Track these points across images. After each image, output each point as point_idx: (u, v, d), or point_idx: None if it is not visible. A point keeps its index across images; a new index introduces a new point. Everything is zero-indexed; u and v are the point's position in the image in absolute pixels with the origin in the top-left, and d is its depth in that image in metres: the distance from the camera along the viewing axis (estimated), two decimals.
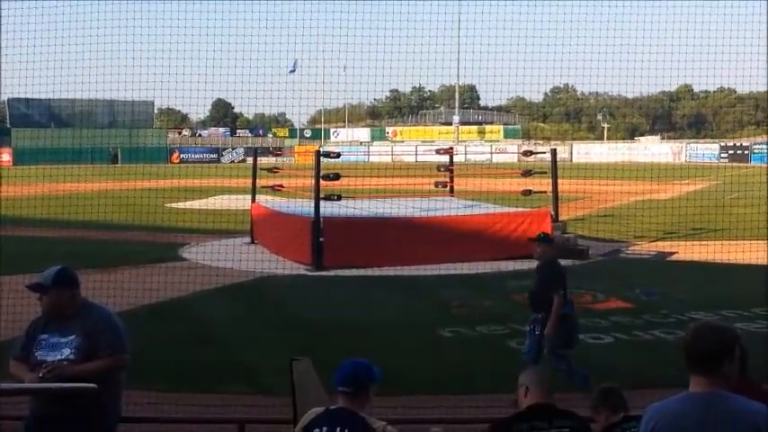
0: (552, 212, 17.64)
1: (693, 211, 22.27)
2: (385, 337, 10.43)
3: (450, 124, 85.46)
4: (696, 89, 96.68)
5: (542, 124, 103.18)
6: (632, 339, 10.54)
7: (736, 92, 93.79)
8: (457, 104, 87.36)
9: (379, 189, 23.34)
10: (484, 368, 9.15)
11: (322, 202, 16.30)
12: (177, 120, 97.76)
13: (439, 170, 22.79)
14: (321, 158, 17.04)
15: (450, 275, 14.85)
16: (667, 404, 3.24)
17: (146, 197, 25.60)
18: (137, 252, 17.99)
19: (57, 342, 4.74)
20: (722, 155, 67.43)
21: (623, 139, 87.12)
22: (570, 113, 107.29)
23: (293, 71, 66.57)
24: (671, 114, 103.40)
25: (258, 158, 22.06)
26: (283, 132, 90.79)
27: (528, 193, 19.06)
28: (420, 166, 31.05)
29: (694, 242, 18.97)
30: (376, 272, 15.47)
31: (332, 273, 15.39)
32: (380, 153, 69.82)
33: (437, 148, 31.44)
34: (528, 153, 27.44)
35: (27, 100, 72.33)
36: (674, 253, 18.28)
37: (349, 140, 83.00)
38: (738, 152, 67.09)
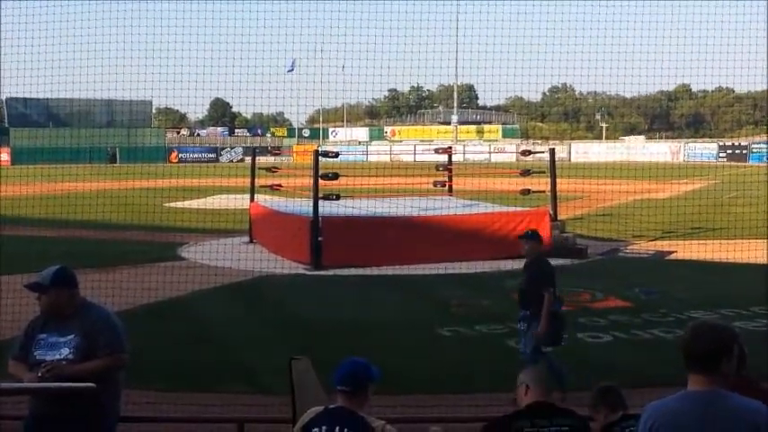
0: (551, 212, 17.64)
1: (692, 210, 22.29)
2: (384, 336, 10.43)
3: (449, 124, 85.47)
4: (694, 89, 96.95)
5: (541, 124, 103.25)
6: (631, 338, 10.54)
7: (734, 91, 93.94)
8: (455, 104, 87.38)
9: (378, 188, 23.34)
10: (483, 367, 9.16)
11: (321, 202, 16.31)
12: (175, 119, 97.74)
13: (437, 170, 22.79)
14: (320, 158, 17.03)
15: (449, 275, 14.85)
16: (666, 403, 3.25)
17: (144, 197, 25.57)
18: (135, 251, 17.98)
19: (55, 342, 4.74)
20: (720, 154, 67.46)
21: (621, 138, 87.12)
22: (569, 113, 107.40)
23: (291, 70, 66.66)
24: (669, 114, 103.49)
25: (257, 158, 22.06)
26: (282, 132, 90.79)
27: (526, 192, 19.07)
28: (419, 166, 31.07)
29: (693, 241, 18.99)
30: (375, 271, 15.47)
31: (330, 272, 15.39)
32: (379, 152, 69.84)
33: (436, 147, 31.48)
34: (526, 152, 27.45)
35: (25, 99, 72.31)
36: (673, 252, 18.30)
37: (347, 140, 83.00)
38: (737, 151, 67.14)
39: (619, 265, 17.08)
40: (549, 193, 17.98)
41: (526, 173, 20.02)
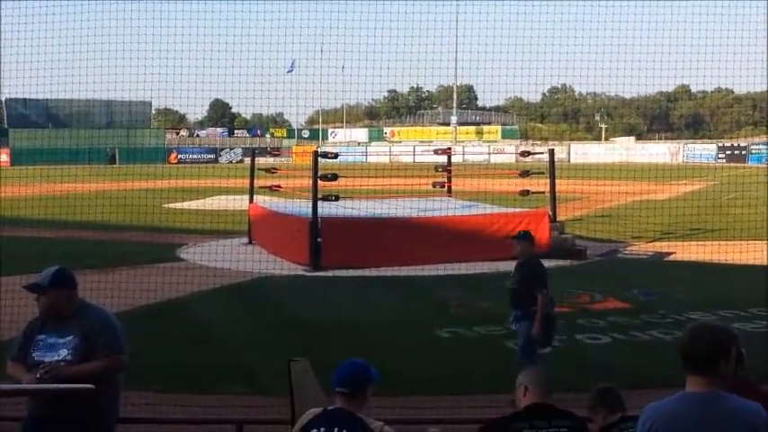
0: (550, 213, 17.64)
1: (691, 211, 22.29)
2: (383, 337, 10.43)
3: (448, 124, 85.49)
4: (694, 89, 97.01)
5: (540, 125, 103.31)
6: (630, 339, 10.55)
7: (733, 92, 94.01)
8: (455, 105, 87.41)
9: (377, 189, 23.34)
10: (482, 368, 9.16)
11: (320, 203, 16.31)
12: (175, 120, 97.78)
13: (437, 170, 22.79)
14: (319, 159, 17.04)
15: (448, 276, 14.85)
16: (665, 404, 3.25)
17: (143, 197, 25.55)
18: (134, 252, 17.98)
19: (54, 343, 4.73)
20: (719, 155, 67.47)
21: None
22: (568, 114, 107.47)
23: (291, 71, 66.66)
24: (668, 115, 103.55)
25: (256, 159, 22.06)
26: (281, 133, 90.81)
27: (526, 193, 19.08)
28: (418, 167, 31.08)
29: (692, 242, 19.00)
30: (374, 272, 15.48)
31: (330, 273, 15.38)
32: (378, 153, 69.85)
33: (435, 148, 31.49)
34: (526, 153, 27.43)
35: (24, 100, 72.28)
36: (672, 253, 18.30)
37: (347, 141, 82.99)
38: (736, 152, 67.13)
39: (618, 266, 17.08)
40: (549, 194, 17.98)
41: (525, 174, 20.02)
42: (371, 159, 60.97)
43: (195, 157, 75.58)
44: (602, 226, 22.42)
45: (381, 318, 11.90)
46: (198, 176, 37.77)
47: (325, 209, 16.58)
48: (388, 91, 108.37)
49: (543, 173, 18.64)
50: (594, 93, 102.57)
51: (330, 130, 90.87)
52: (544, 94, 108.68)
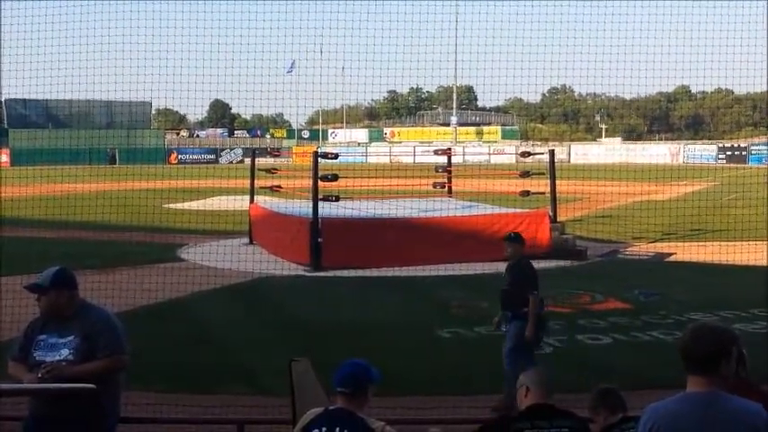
0: (550, 213, 17.64)
1: (692, 212, 22.28)
2: (383, 337, 10.43)
3: (448, 125, 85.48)
4: (694, 90, 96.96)
5: (540, 125, 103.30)
6: (631, 340, 10.55)
7: (733, 93, 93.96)
8: (455, 105, 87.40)
9: (377, 190, 23.34)
10: (482, 369, 9.14)
11: (320, 203, 16.32)
12: (175, 120, 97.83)
13: (437, 171, 22.80)
14: (319, 159, 17.05)
15: (449, 276, 14.85)
16: (666, 404, 3.25)
17: (144, 198, 25.53)
18: (135, 253, 17.98)
19: (55, 343, 4.74)
20: (720, 156, 67.46)
21: (622, 140, 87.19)
22: (568, 114, 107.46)
23: (291, 72, 66.65)
24: (668, 115, 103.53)
25: (256, 159, 22.07)
26: (281, 133, 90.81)
27: (526, 193, 19.07)
28: (418, 167, 31.06)
29: (693, 243, 18.99)
30: (374, 272, 15.48)
31: (330, 273, 15.38)
32: (378, 154, 69.85)
33: (435, 148, 31.48)
34: (526, 154, 27.40)
35: (24, 101, 72.31)
36: (673, 254, 18.30)
37: (347, 141, 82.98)
38: (736, 153, 67.12)
39: (618, 266, 17.08)
40: (549, 195, 17.98)
41: (526, 174, 20.01)
42: (371, 160, 60.94)
43: (195, 157, 75.60)
44: (603, 226, 22.42)
45: (382, 318, 11.90)
46: (198, 177, 37.75)
47: (326, 209, 16.58)
48: (388, 91, 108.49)
49: (543, 173, 18.63)
50: (594, 93, 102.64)
51: (330, 131, 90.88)
52: (544, 95, 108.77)
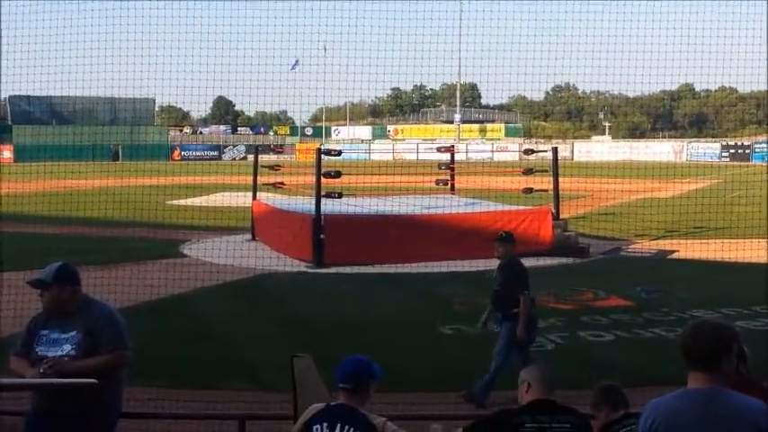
0: (553, 210, 17.64)
1: (694, 209, 22.24)
2: (385, 334, 10.44)
3: (452, 122, 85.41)
4: (697, 88, 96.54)
5: (543, 123, 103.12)
6: (633, 337, 10.54)
7: (737, 91, 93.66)
8: (458, 103, 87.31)
9: (380, 187, 23.34)
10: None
11: (323, 200, 16.32)
12: (178, 117, 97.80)
13: (440, 168, 22.77)
14: (322, 156, 17.05)
15: (451, 273, 14.86)
16: (666, 400, 3.24)
17: (147, 194, 25.55)
18: (138, 249, 18.00)
19: (57, 338, 4.75)
20: (723, 154, 67.36)
21: (624, 138, 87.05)
22: (571, 112, 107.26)
23: (294, 69, 66.58)
24: (672, 113, 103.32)
25: (259, 156, 22.07)
26: (284, 130, 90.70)
27: (529, 191, 19.06)
28: (421, 164, 31.06)
29: (695, 240, 18.98)
30: (377, 269, 15.48)
31: (333, 270, 15.39)
32: (381, 151, 69.78)
33: (438, 146, 31.43)
34: (529, 151, 27.36)
35: (28, 97, 72.36)
36: (675, 251, 18.28)
37: (350, 138, 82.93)
38: (739, 151, 67.03)
39: (621, 264, 17.07)
40: (552, 192, 17.97)
41: (529, 171, 20.00)
42: (375, 157, 60.91)
43: (198, 154, 75.60)
44: (606, 224, 22.40)
45: (384, 314, 11.91)
46: (201, 173, 37.78)
47: (329, 206, 16.58)
48: (392, 89, 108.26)
49: (547, 171, 18.63)
50: (598, 91, 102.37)
51: (333, 128, 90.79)
52: (548, 93, 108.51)
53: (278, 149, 68.72)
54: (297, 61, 66.82)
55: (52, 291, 4.77)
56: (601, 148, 73.30)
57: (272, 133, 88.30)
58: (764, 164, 49.11)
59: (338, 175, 16.99)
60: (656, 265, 16.83)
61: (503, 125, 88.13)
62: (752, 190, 27.31)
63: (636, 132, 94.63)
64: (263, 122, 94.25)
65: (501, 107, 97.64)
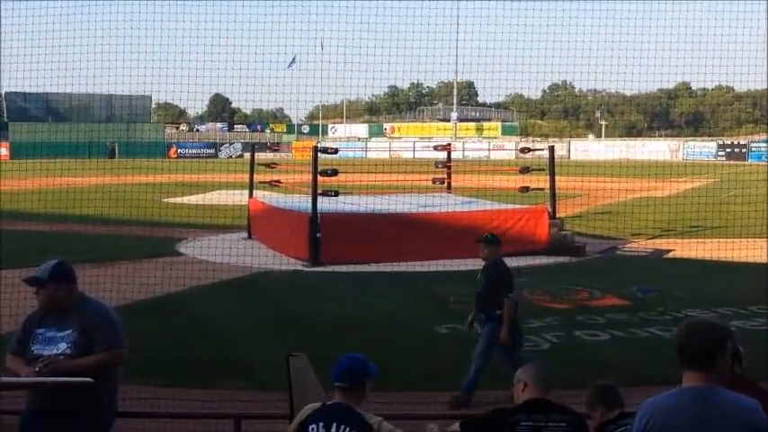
0: (549, 209, 17.64)
1: (691, 208, 22.29)
2: (381, 333, 10.44)
3: (448, 121, 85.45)
4: (694, 87, 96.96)
5: (540, 121, 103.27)
6: (629, 336, 10.55)
7: (734, 90, 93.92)
8: (455, 101, 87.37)
9: (377, 185, 23.35)
10: None
11: (319, 198, 16.31)
12: (175, 114, 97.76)
13: (437, 167, 22.77)
14: (319, 154, 17.03)
15: (447, 272, 14.85)
16: (661, 399, 3.25)
17: (143, 192, 25.56)
18: (134, 247, 17.98)
19: (53, 336, 4.74)
20: (719, 153, 67.47)
21: (621, 136, 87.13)
22: (568, 111, 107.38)
23: (291, 65, 66.48)
24: (669, 112, 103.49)
25: (256, 154, 22.06)
26: (281, 128, 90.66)
27: (525, 189, 19.06)
28: (418, 163, 31.09)
29: (691, 240, 19.01)
30: (373, 268, 15.48)
31: (329, 268, 15.39)
32: (378, 149, 69.87)
33: (435, 144, 31.42)
34: (526, 150, 27.35)
35: (24, 94, 72.17)
36: (671, 250, 18.30)
37: (347, 136, 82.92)
38: (736, 150, 67.15)
39: (617, 263, 17.08)
40: (548, 191, 17.97)
41: (525, 170, 20.00)
42: (371, 155, 61.03)
43: (195, 151, 75.51)
44: (602, 223, 22.42)
45: (380, 313, 11.90)
46: (197, 171, 37.75)
47: (325, 204, 16.57)
48: (389, 87, 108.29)
49: (543, 169, 18.63)
50: (595, 90, 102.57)
51: (330, 126, 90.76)
52: (544, 91, 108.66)
53: (274, 147, 68.82)
54: (294, 59, 66.70)
55: (48, 289, 4.76)
56: (597, 147, 73.38)
57: (268, 131, 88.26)
58: (761, 163, 49.21)
59: (335, 173, 16.98)
60: (652, 265, 16.83)
61: (499, 123, 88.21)
62: (748, 189, 27.35)
63: (632, 131, 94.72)
64: (259, 120, 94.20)
65: (498, 105, 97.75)
